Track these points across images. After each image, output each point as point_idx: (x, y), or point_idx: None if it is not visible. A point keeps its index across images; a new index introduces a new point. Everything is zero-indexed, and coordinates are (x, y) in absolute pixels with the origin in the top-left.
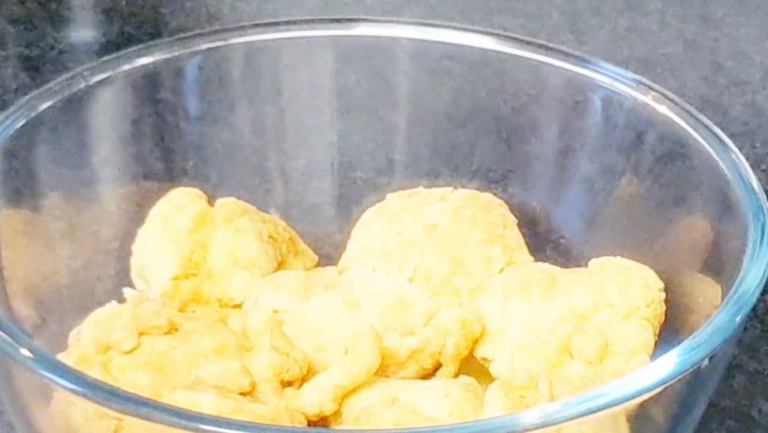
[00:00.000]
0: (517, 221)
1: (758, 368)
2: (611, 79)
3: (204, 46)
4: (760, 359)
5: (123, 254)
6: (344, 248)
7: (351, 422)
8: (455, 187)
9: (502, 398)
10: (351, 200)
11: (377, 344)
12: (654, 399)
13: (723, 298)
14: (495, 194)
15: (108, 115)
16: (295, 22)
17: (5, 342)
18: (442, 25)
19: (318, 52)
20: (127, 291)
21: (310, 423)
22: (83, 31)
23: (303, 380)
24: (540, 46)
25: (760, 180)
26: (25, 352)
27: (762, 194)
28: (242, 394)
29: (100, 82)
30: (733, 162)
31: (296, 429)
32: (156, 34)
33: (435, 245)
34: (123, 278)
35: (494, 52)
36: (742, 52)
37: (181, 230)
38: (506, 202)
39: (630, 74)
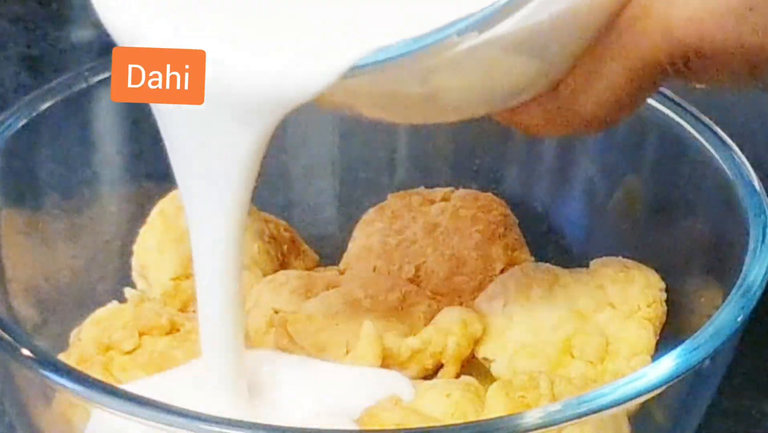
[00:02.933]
0: (518, 221)
1: (760, 368)
2: None
3: None
4: (761, 359)
5: (124, 254)
6: (345, 248)
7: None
8: (456, 187)
9: (503, 398)
10: (352, 200)
11: (378, 344)
12: (655, 399)
13: (724, 298)
14: (496, 194)
15: (109, 115)
16: None
17: (6, 342)
18: None
19: None
20: (128, 291)
21: None
22: (84, 31)
23: None
24: None
25: (761, 180)
26: (26, 352)
27: (763, 194)
28: None
29: (101, 82)
30: (734, 162)
31: (296, 429)
32: None
33: (436, 245)
34: (124, 277)
35: None
36: None
37: (182, 229)
38: (507, 202)
39: None
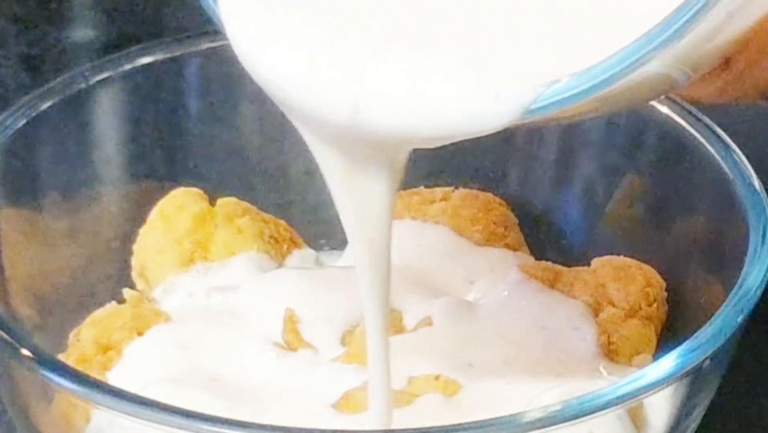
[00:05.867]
0: (518, 221)
1: (760, 369)
2: None
3: (205, 46)
4: (761, 359)
5: (124, 254)
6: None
7: None
8: (456, 187)
9: None
10: None
11: None
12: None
13: (725, 298)
14: (496, 194)
15: (109, 115)
16: None
17: (6, 342)
18: None
19: None
20: (126, 291)
21: None
22: (84, 31)
23: None
24: None
25: (761, 180)
26: (26, 352)
27: (764, 194)
28: None
29: (101, 82)
30: (734, 162)
31: (296, 429)
32: (157, 34)
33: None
34: (124, 278)
35: None
36: None
37: (181, 229)
38: (507, 202)
39: None
